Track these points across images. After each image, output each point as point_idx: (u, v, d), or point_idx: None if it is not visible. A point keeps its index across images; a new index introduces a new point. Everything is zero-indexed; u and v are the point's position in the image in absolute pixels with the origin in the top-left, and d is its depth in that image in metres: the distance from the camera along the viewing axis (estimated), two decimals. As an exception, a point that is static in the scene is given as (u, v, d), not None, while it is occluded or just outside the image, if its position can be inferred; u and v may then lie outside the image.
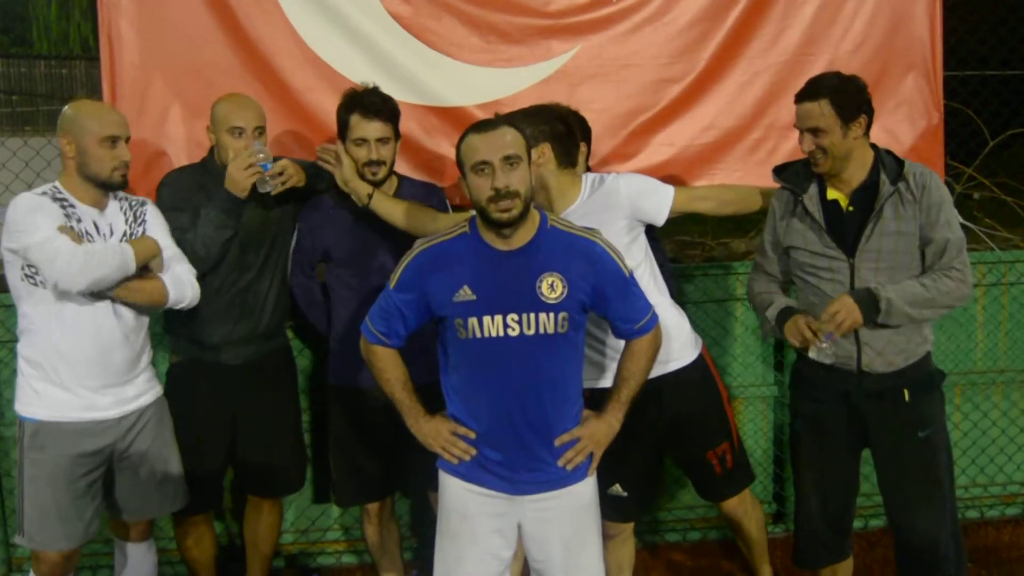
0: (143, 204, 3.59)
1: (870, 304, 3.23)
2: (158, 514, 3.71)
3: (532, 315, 2.93)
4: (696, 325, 3.78)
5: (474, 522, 3.07)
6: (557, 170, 3.50)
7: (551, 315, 2.93)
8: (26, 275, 3.32)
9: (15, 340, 4.15)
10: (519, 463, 3.02)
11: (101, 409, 3.42)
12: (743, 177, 4.45)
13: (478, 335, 2.94)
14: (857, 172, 3.34)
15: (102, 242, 3.38)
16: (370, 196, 3.66)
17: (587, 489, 3.11)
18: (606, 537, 3.50)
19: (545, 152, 3.47)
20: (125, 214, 3.51)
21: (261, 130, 3.74)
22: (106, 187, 3.41)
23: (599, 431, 3.07)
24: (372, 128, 3.69)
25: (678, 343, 3.60)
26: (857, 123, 3.27)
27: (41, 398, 3.40)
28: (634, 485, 3.70)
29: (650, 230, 3.65)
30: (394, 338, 3.09)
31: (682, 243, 5.82)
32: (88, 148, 3.35)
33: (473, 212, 3.03)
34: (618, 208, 3.50)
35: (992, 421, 4.89)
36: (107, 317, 3.37)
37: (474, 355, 2.99)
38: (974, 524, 4.84)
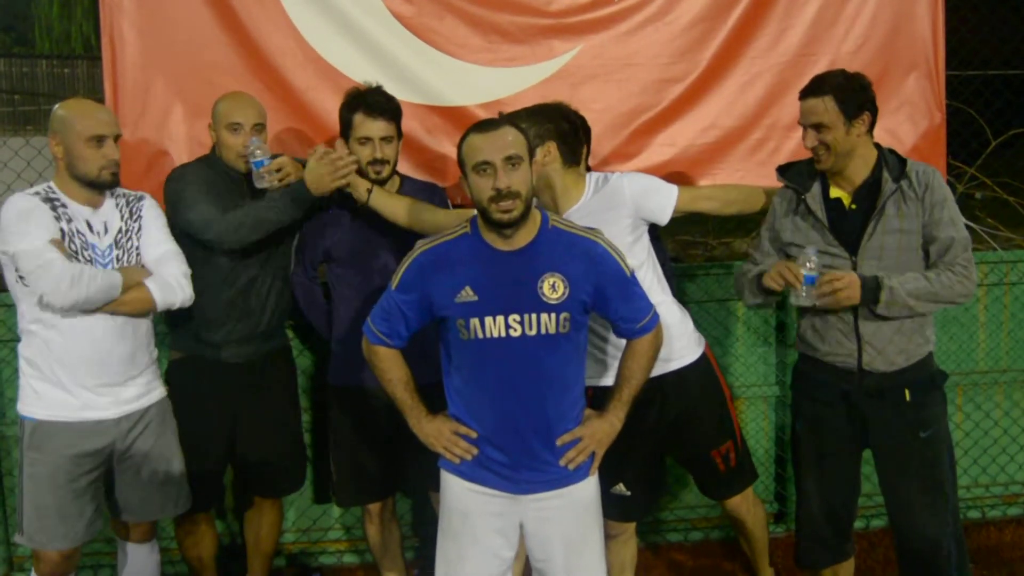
0: (140, 199, 3.58)
1: (872, 291, 3.22)
2: (160, 516, 3.70)
3: (534, 315, 2.93)
4: (698, 325, 3.78)
5: (476, 521, 3.07)
6: (562, 169, 3.51)
7: (552, 315, 2.93)
8: (19, 276, 3.31)
9: (16, 339, 4.16)
10: (521, 463, 3.02)
11: (99, 409, 3.42)
12: (745, 177, 4.45)
13: (480, 336, 2.94)
14: (860, 170, 3.34)
15: (96, 239, 3.39)
16: (369, 192, 3.65)
17: (589, 489, 3.11)
18: (608, 537, 3.50)
19: (551, 151, 3.47)
20: (121, 211, 3.50)
21: (260, 127, 3.75)
22: (95, 186, 3.40)
23: (600, 430, 3.07)
24: (376, 127, 3.69)
25: (681, 342, 3.60)
26: (860, 120, 3.27)
27: (40, 398, 3.40)
28: (637, 484, 3.70)
29: (652, 229, 3.64)
30: (396, 338, 3.09)
31: (684, 242, 5.82)
32: (75, 148, 3.34)
33: (474, 211, 3.02)
34: (622, 207, 3.50)
35: (994, 421, 4.89)
36: (101, 317, 3.36)
37: (476, 356, 2.98)
38: (976, 524, 4.83)
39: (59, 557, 3.47)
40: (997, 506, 4.95)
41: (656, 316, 3.12)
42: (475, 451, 3.04)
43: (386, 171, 3.74)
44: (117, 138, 3.41)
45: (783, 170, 3.51)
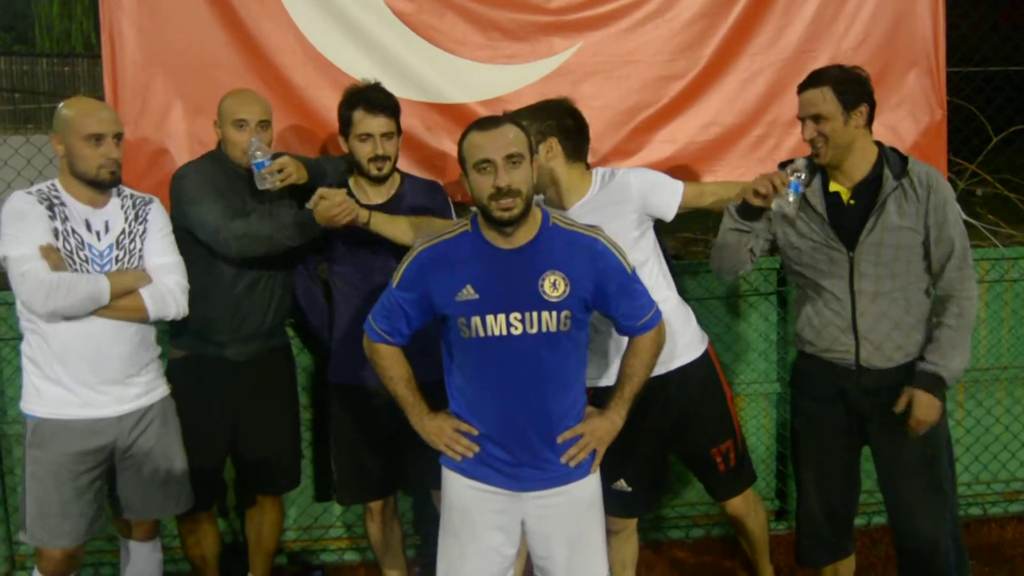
0: (148, 203, 3.58)
1: (940, 386, 3.29)
2: (161, 515, 3.70)
3: (535, 313, 2.92)
4: (699, 322, 3.77)
5: (477, 519, 3.07)
6: (566, 164, 3.51)
7: (553, 313, 2.93)
8: None
9: (17, 338, 4.16)
10: (522, 460, 3.02)
11: (99, 407, 3.42)
12: (745, 174, 4.44)
13: (481, 334, 2.94)
14: (859, 165, 3.33)
15: (94, 240, 3.39)
16: (368, 218, 3.62)
17: (590, 486, 3.11)
18: (610, 533, 3.50)
19: (553, 147, 3.47)
20: (126, 212, 3.50)
21: (266, 124, 3.74)
22: (95, 185, 3.40)
23: (602, 428, 3.07)
24: (376, 123, 3.69)
25: (684, 339, 3.60)
26: (858, 112, 3.27)
27: (41, 396, 3.41)
28: (638, 481, 3.70)
29: (654, 225, 3.65)
30: (397, 336, 3.09)
31: (684, 239, 5.82)
32: (74, 147, 3.35)
33: (474, 209, 3.02)
34: (628, 202, 3.50)
35: (995, 418, 4.88)
36: (98, 316, 3.37)
37: (477, 354, 2.98)
38: (977, 521, 4.83)
39: (62, 555, 3.47)
40: (998, 503, 4.94)
41: (658, 313, 3.11)
42: (476, 448, 3.04)
43: (387, 167, 3.74)
44: (119, 137, 3.40)
45: (784, 165, 3.51)
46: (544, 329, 2.93)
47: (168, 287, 3.47)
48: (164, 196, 3.72)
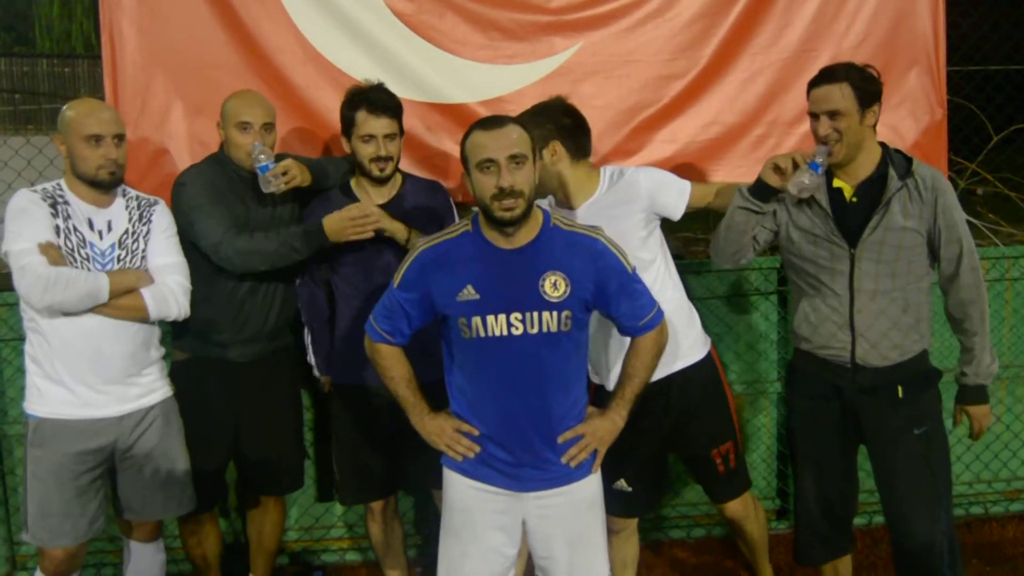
0: (153, 204, 3.59)
1: (983, 392, 3.44)
2: (162, 516, 3.70)
3: (535, 314, 2.92)
4: (700, 321, 3.77)
5: (478, 519, 3.07)
6: (571, 164, 3.52)
7: (554, 313, 2.93)
8: None
9: (18, 338, 4.17)
10: (523, 460, 3.02)
11: (99, 407, 3.42)
12: (746, 174, 4.43)
13: (482, 334, 2.94)
14: (865, 164, 3.34)
15: (96, 238, 3.40)
16: (407, 236, 3.66)
17: (591, 486, 3.11)
18: (610, 532, 3.50)
19: (557, 150, 3.48)
20: (130, 213, 3.51)
21: (270, 126, 3.75)
22: (95, 185, 3.41)
23: (602, 428, 3.07)
24: (379, 124, 3.68)
25: (688, 340, 3.61)
26: (872, 111, 3.29)
27: (42, 395, 3.42)
28: (639, 481, 3.70)
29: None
30: (398, 336, 3.09)
31: (686, 239, 5.82)
32: (74, 147, 3.38)
33: (476, 210, 3.02)
34: (637, 201, 3.51)
35: (996, 417, 4.88)
36: (97, 316, 3.37)
37: (478, 354, 2.98)
38: (978, 520, 4.84)
39: (63, 555, 3.47)
40: (999, 502, 4.94)
41: (660, 313, 3.11)
42: (477, 449, 3.04)
43: (389, 168, 3.74)
44: (119, 138, 3.42)
45: None
46: (545, 329, 2.93)
47: (170, 287, 3.47)
48: (165, 196, 3.72)
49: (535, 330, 2.93)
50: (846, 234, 3.32)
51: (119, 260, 3.44)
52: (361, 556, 4.65)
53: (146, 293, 3.42)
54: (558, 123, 3.51)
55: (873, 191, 3.32)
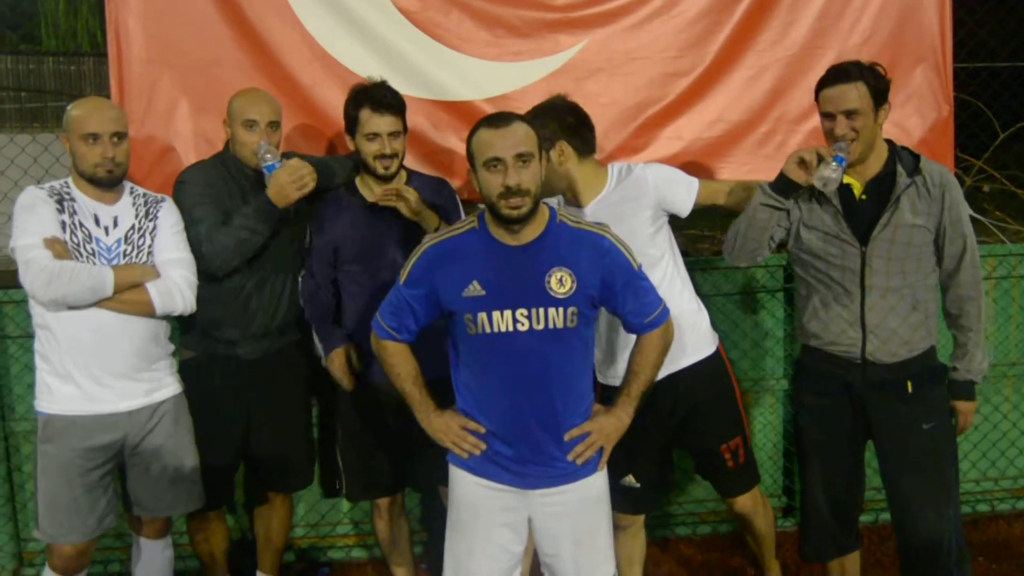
0: (160, 201, 3.61)
1: (972, 388, 3.47)
2: (171, 513, 3.70)
3: (541, 310, 2.92)
4: (706, 319, 3.77)
5: (484, 516, 3.07)
6: (578, 162, 3.52)
7: (560, 310, 2.93)
8: None
9: (24, 335, 4.18)
10: (529, 457, 3.02)
11: (108, 402, 3.43)
12: (752, 171, 4.44)
13: (487, 330, 2.94)
14: (874, 162, 3.34)
15: (102, 234, 3.42)
16: (437, 226, 3.65)
17: (598, 483, 3.11)
18: (617, 528, 3.50)
19: (564, 150, 3.48)
20: (137, 209, 3.52)
21: (276, 124, 3.75)
22: (94, 183, 3.44)
23: (609, 425, 3.06)
24: (384, 122, 3.68)
25: (697, 336, 3.61)
26: (883, 109, 3.30)
27: (51, 392, 3.43)
28: (646, 476, 3.70)
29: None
30: (405, 333, 3.09)
31: (692, 236, 5.81)
32: (74, 145, 3.42)
33: (482, 207, 3.02)
34: (645, 197, 3.51)
35: (1003, 415, 4.88)
36: (105, 311, 3.38)
37: (484, 350, 2.98)
38: (985, 518, 4.83)
39: (72, 551, 3.48)
40: (1006, 499, 4.94)
41: (666, 311, 3.11)
42: (483, 446, 3.04)
43: (394, 166, 3.74)
44: (118, 136, 3.43)
45: None
46: (551, 325, 2.93)
47: (175, 282, 3.48)
48: (170, 194, 3.73)
49: (541, 326, 2.93)
50: (856, 232, 3.32)
51: (125, 255, 3.45)
52: (367, 553, 4.65)
53: (151, 288, 3.43)
54: (562, 122, 3.50)
55: (882, 189, 3.32)
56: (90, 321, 3.36)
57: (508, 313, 2.92)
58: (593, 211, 3.50)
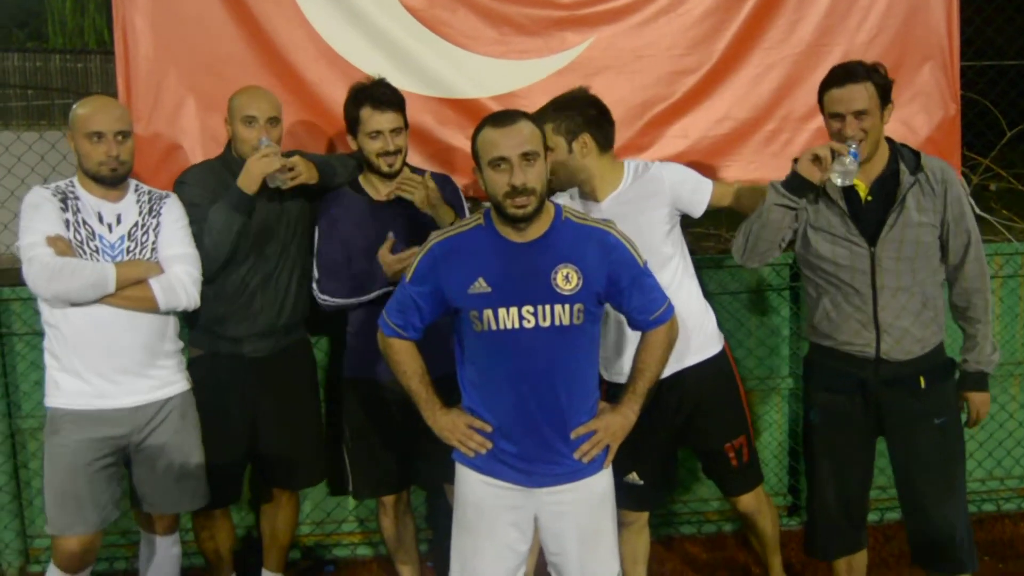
0: (164, 198, 3.62)
1: (984, 380, 3.48)
2: (176, 510, 3.70)
3: (547, 307, 2.92)
4: (711, 317, 3.77)
5: (491, 515, 3.07)
6: (598, 157, 3.51)
7: (567, 307, 2.93)
8: None
9: (31, 333, 4.19)
10: (535, 455, 3.01)
11: (113, 397, 3.44)
12: (758, 169, 4.44)
13: (493, 327, 2.94)
14: (877, 162, 3.34)
15: (105, 231, 3.43)
16: (453, 220, 3.64)
17: (603, 482, 3.10)
18: (621, 525, 3.50)
19: (587, 143, 3.47)
20: (141, 206, 3.53)
21: (275, 120, 3.76)
22: (98, 181, 3.45)
23: (615, 423, 3.06)
24: (385, 119, 3.69)
25: (703, 336, 3.61)
26: (888, 109, 3.31)
27: (59, 387, 3.45)
28: (651, 474, 3.70)
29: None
30: (411, 330, 3.09)
31: (697, 235, 5.80)
32: (79, 143, 3.44)
33: (487, 204, 3.02)
34: (661, 195, 3.51)
35: (1009, 413, 4.87)
36: (109, 307, 3.39)
37: (490, 347, 2.98)
38: (991, 517, 4.82)
39: (77, 547, 3.48)
40: (1012, 499, 4.93)
41: (671, 307, 3.11)
42: (489, 445, 3.03)
43: (398, 162, 3.74)
44: (123, 135, 3.44)
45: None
46: (557, 323, 2.93)
47: (179, 277, 3.49)
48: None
49: (547, 323, 2.93)
50: (864, 233, 3.32)
51: (128, 252, 3.46)
52: (373, 551, 4.65)
53: (154, 283, 3.44)
54: (586, 115, 3.49)
55: (887, 188, 3.32)
56: (96, 318, 3.38)
57: (514, 310, 2.92)
58: (609, 206, 3.50)
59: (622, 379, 3.31)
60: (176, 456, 3.58)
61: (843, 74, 3.29)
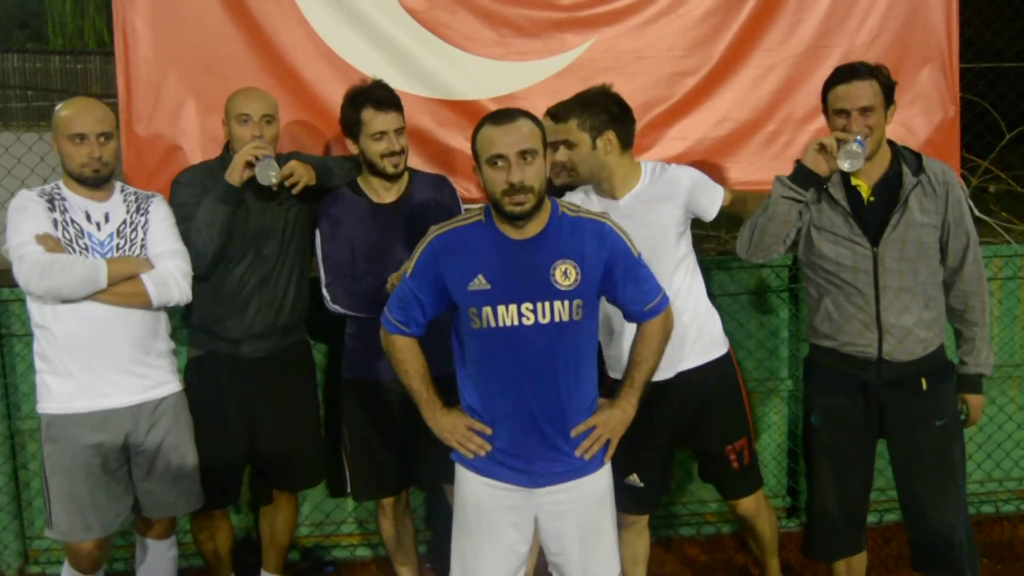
0: (151, 197, 3.63)
1: (980, 382, 3.50)
2: (171, 513, 3.69)
3: (547, 303, 2.92)
4: (711, 319, 3.77)
5: (491, 516, 3.07)
6: (620, 155, 3.52)
7: (566, 303, 2.93)
8: None
9: (30, 334, 4.18)
10: (535, 454, 3.01)
11: (109, 397, 3.44)
12: (758, 171, 4.44)
13: (492, 324, 2.94)
14: (880, 163, 3.35)
15: (94, 229, 3.44)
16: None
17: (602, 481, 3.10)
18: (621, 527, 3.50)
19: (611, 140, 3.48)
20: (128, 205, 3.55)
21: (270, 118, 3.76)
22: (81, 182, 3.46)
23: (614, 418, 3.06)
24: (389, 120, 3.69)
25: (709, 337, 3.62)
26: (891, 110, 3.33)
27: (51, 392, 3.44)
28: (652, 475, 3.70)
29: None
30: (413, 326, 3.08)
31: (696, 237, 5.80)
32: (62, 145, 3.44)
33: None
34: (677, 197, 3.53)
35: (1008, 415, 4.87)
36: (101, 304, 3.39)
37: (489, 345, 2.98)
38: (990, 519, 4.82)
39: (91, 547, 3.50)
40: (1011, 501, 4.93)
41: (666, 298, 3.10)
42: (489, 447, 3.03)
43: (402, 163, 3.75)
44: (105, 136, 3.44)
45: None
46: (556, 319, 2.93)
47: (170, 272, 3.49)
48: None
49: (547, 320, 2.93)
50: (867, 233, 3.32)
51: (118, 249, 3.46)
52: (372, 552, 4.65)
53: (146, 279, 3.44)
54: (611, 112, 3.50)
55: (889, 190, 3.33)
56: (88, 316, 3.37)
57: (513, 307, 2.92)
58: (628, 204, 3.51)
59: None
60: (172, 458, 3.57)
61: (848, 72, 3.31)
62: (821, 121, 3.49)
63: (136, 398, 3.49)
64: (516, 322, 2.93)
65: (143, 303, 3.45)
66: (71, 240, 3.40)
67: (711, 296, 4.44)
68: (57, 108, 3.48)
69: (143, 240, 3.51)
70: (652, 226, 3.44)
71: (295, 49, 4.29)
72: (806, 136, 4.43)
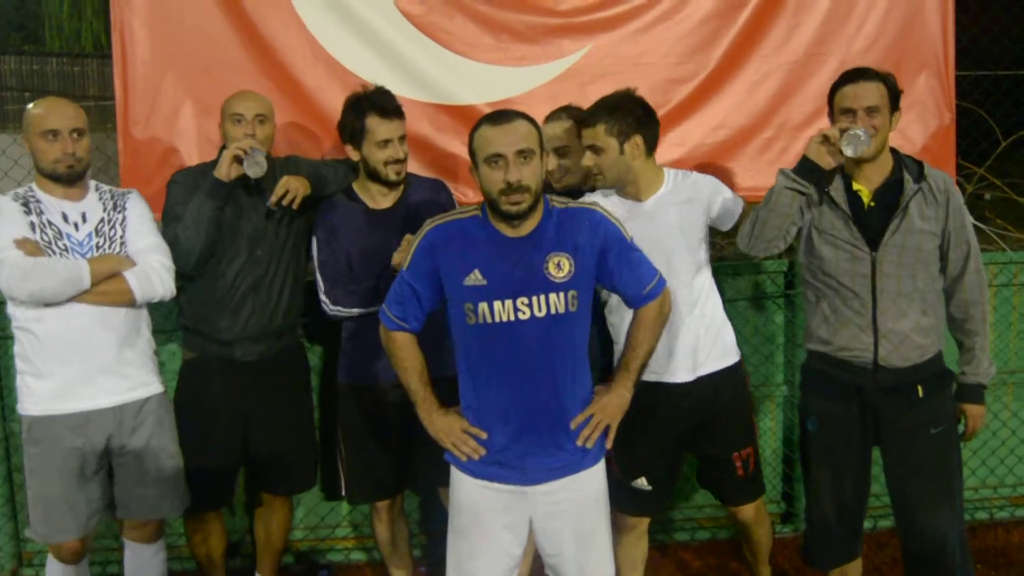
0: (126, 194, 3.62)
1: (981, 392, 3.48)
2: (155, 516, 3.66)
3: (542, 296, 2.93)
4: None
5: (485, 519, 3.07)
6: (645, 159, 3.53)
7: (560, 295, 2.94)
8: None
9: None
10: (532, 449, 3.01)
11: (91, 398, 3.43)
12: (754, 177, 4.45)
13: (488, 320, 2.94)
14: (881, 169, 3.37)
15: (72, 229, 3.42)
16: None
17: (597, 480, 3.11)
18: (620, 531, 3.50)
19: (638, 144, 3.49)
20: (104, 204, 3.54)
21: (263, 118, 3.77)
22: (55, 180, 3.44)
23: (611, 403, 3.06)
24: (393, 127, 3.70)
25: (724, 344, 3.64)
26: (896, 116, 3.34)
27: (33, 393, 3.43)
28: (657, 479, 3.70)
29: None
30: (412, 321, 3.08)
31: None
32: (33, 143, 3.43)
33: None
34: (699, 202, 3.56)
35: (1002, 422, 4.88)
36: (82, 305, 3.38)
37: (484, 340, 2.98)
38: (984, 525, 4.83)
39: (67, 546, 3.49)
40: (1005, 507, 4.94)
41: (663, 281, 3.11)
42: (483, 451, 3.03)
43: (404, 170, 3.75)
44: (78, 132, 3.43)
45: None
46: (552, 311, 2.94)
47: (152, 267, 3.48)
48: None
49: (542, 313, 2.93)
50: (867, 238, 3.33)
51: (98, 248, 3.45)
52: (366, 555, 4.65)
53: (129, 275, 3.43)
54: (637, 116, 3.50)
55: (890, 196, 3.34)
56: (70, 317, 3.36)
57: (509, 303, 2.93)
58: (653, 206, 3.52)
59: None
60: (155, 460, 3.55)
61: (857, 73, 3.34)
62: (817, 127, 3.50)
63: (119, 399, 3.48)
64: (512, 317, 2.93)
65: (127, 301, 3.43)
66: (50, 242, 3.38)
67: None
68: (28, 107, 3.46)
69: (122, 237, 3.50)
70: (677, 227, 3.47)
71: (292, 53, 4.29)
72: (802, 143, 4.41)
